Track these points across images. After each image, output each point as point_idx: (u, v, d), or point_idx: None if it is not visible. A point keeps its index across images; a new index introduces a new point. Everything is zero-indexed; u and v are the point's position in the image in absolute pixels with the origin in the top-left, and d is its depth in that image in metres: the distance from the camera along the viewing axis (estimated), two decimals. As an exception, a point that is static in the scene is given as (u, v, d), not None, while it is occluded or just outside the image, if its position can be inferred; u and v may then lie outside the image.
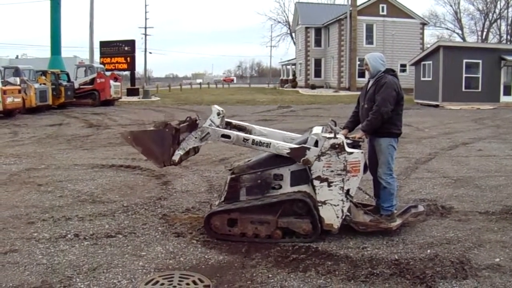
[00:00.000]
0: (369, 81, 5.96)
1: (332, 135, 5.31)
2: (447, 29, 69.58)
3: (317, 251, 5.10)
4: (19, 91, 21.13)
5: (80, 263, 4.80)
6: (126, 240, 5.50)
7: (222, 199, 5.67)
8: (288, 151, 5.36)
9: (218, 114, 5.64)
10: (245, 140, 5.48)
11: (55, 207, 6.78)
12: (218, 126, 5.61)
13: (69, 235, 5.62)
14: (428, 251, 5.10)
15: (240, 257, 4.99)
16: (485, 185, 8.09)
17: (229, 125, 6.06)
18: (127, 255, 5.04)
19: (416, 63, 31.88)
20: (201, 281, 4.39)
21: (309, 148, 5.31)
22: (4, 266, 4.69)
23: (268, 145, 5.42)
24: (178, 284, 4.33)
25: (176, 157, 5.55)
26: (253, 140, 5.47)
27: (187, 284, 4.33)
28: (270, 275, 4.54)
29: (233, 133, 5.57)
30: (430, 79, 29.30)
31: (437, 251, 5.07)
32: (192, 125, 5.75)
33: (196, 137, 5.59)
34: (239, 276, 4.53)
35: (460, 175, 8.88)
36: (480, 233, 5.66)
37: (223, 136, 5.54)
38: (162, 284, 4.33)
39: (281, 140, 5.72)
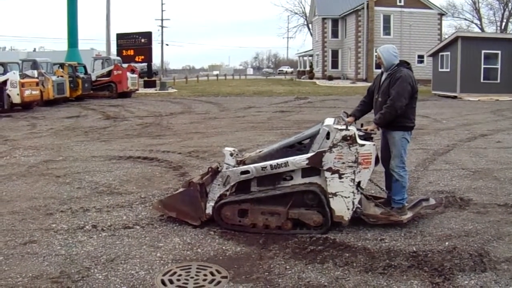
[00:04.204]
0: (382, 73, 5.90)
1: (344, 126, 5.29)
2: (465, 19, 68.57)
3: (334, 243, 5.09)
4: (37, 84, 21.29)
5: (98, 254, 4.85)
6: (144, 231, 5.54)
7: (234, 189, 5.68)
8: (307, 161, 5.38)
9: (231, 154, 5.70)
10: (263, 168, 5.51)
11: (73, 199, 6.84)
12: (235, 166, 5.66)
13: (87, 226, 5.67)
14: (447, 243, 5.06)
15: (258, 249, 4.99)
16: (504, 177, 8.00)
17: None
18: (145, 246, 5.07)
19: (434, 54, 31.49)
20: (219, 272, 4.41)
21: (325, 151, 5.31)
22: (23, 257, 4.75)
23: (286, 164, 5.44)
24: (196, 275, 4.35)
25: (209, 210, 5.62)
26: (271, 165, 5.48)
27: (205, 275, 4.35)
28: (287, 267, 4.54)
29: (250, 166, 5.58)
30: (448, 70, 28.94)
31: (456, 244, 5.03)
32: (215, 174, 5.79)
33: (219, 184, 5.65)
34: (257, 267, 4.54)
35: (479, 167, 8.78)
36: (499, 226, 5.60)
37: (242, 173, 5.58)
38: (180, 275, 4.35)
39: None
